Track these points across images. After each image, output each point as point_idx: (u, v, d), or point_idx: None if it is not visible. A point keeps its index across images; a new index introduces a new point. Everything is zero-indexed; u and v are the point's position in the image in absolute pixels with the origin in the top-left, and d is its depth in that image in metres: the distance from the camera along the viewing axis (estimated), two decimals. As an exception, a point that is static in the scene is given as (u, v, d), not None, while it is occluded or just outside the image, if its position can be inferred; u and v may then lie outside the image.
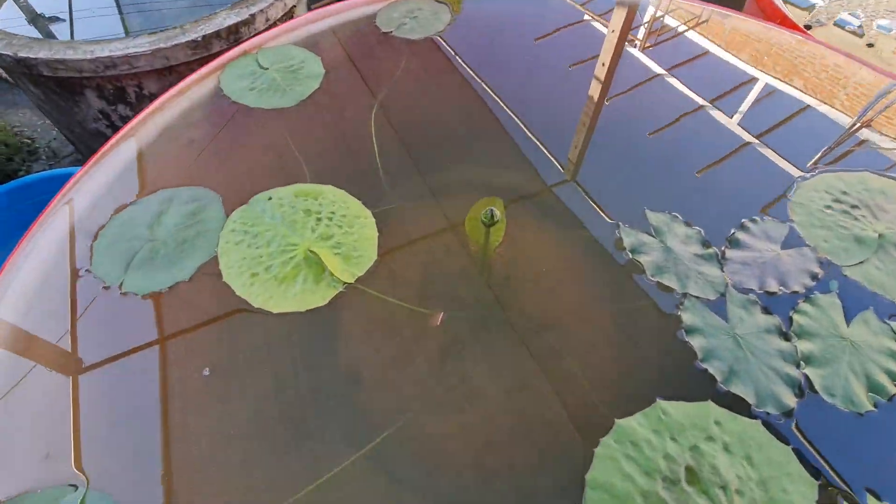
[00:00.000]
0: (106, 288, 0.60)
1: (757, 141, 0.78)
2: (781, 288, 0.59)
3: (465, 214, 0.68)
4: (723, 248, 0.63)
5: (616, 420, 0.50)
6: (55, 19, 1.31)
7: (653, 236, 0.64)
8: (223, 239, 0.64)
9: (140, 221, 0.66)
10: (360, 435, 0.50)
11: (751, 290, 0.59)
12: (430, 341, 0.57)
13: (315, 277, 0.61)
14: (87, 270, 0.62)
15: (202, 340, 0.57)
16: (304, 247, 0.64)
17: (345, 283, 0.61)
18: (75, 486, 0.47)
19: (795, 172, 0.73)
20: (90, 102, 1.17)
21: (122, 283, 0.61)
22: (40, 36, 1.17)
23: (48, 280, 0.61)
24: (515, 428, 0.52)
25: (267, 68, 0.89)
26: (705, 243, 0.63)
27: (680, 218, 0.66)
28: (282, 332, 0.58)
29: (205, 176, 0.72)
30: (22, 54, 1.02)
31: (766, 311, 0.57)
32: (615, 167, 0.76)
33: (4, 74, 1.67)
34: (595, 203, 0.70)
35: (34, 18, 1.30)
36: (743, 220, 0.66)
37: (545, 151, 0.77)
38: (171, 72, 1.13)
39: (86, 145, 1.36)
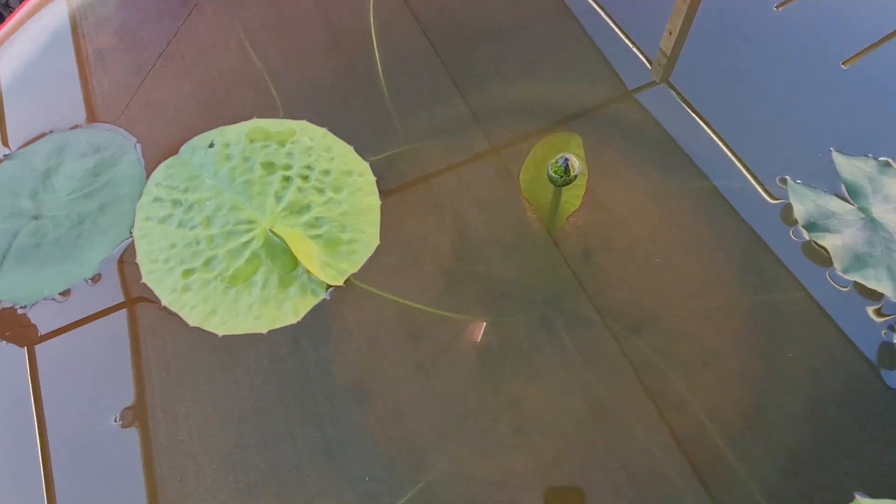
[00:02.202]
0: (-36, 299, 0.39)
1: None
2: None
3: (519, 159, 0.43)
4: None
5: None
6: None
7: (846, 200, 0.38)
8: (141, 213, 0.41)
9: (20, 186, 0.44)
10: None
11: None
12: (462, 361, 0.36)
13: (283, 276, 0.38)
14: (-61, 268, 0.40)
15: (112, 376, 0.37)
16: (266, 225, 0.40)
17: (330, 286, 0.38)
18: None
19: None
20: None
21: (-7, 288, 0.39)
22: None
23: None
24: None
25: (207, -69, 0.59)
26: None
27: (895, 166, 0.39)
28: (248, 353, 0.37)
29: (113, 109, 0.47)
30: None
31: None
32: (742, 73, 0.47)
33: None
34: (722, 132, 0.43)
35: None
36: None
37: (636, 50, 0.49)
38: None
39: None
